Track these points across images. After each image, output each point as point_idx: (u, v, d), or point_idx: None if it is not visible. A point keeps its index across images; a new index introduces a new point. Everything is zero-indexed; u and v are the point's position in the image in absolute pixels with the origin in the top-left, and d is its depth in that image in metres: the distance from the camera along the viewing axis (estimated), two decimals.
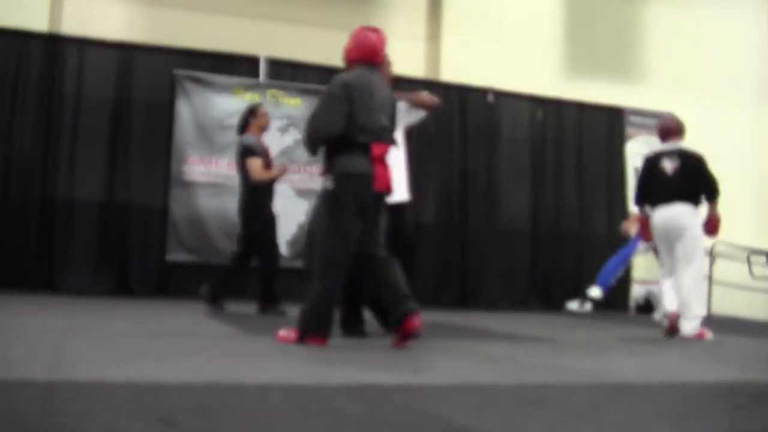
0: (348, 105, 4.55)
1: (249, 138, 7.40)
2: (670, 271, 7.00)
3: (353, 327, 5.37)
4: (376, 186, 4.55)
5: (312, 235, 7.37)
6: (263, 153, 7.36)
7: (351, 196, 4.52)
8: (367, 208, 4.57)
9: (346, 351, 4.57)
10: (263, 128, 7.54)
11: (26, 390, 2.65)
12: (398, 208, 5.51)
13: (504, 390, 3.28)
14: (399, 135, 5.43)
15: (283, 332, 4.72)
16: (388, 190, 4.64)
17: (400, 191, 5.45)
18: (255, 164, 7.21)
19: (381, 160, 4.59)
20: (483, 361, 4.40)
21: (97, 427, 2.15)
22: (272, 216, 7.40)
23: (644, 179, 7.27)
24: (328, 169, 4.62)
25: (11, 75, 9.18)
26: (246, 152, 7.27)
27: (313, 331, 4.55)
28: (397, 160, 5.36)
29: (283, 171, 7.41)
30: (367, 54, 4.86)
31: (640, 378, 3.85)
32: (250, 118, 7.49)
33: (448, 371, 3.88)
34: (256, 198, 7.27)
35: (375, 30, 4.98)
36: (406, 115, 5.66)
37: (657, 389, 3.49)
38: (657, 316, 9.36)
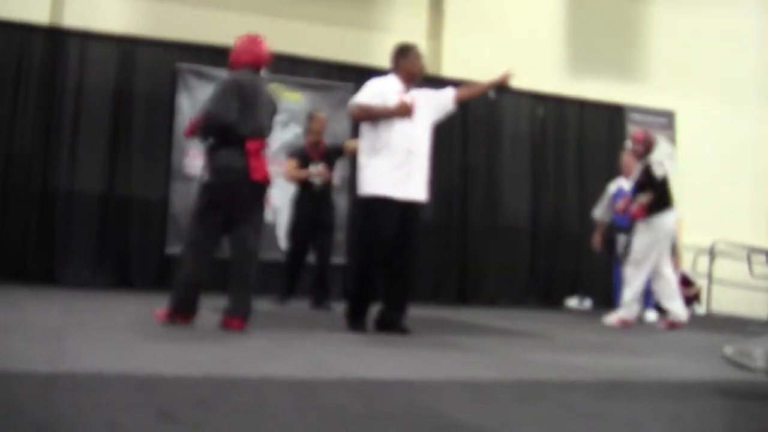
0: (238, 101, 4.94)
1: (298, 140, 8.36)
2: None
3: (358, 321, 5.46)
4: (252, 177, 4.87)
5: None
6: (303, 155, 7.76)
7: (223, 188, 4.92)
8: (241, 200, 4.93)
9: (344, 346, 4.58)
10: (315, 132, 7.90)
11: (27, 382, 2.66)
12: (413, 206, 5.49)
13: (502, 386, 3.29)
14: (425, 135, 5.60)
15: (158, 310, 5.06)
16: (265, 179, 4.95)
17: (421, 191, 5.54)
18: (287, 165, 7.86)
19: (257, 154, 4.93)
20: (481, 358, 4.41)
21: (96, 419, 2.16)
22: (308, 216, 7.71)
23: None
24: (208, 162, 5.03)
25: (13, 68, 9.17)
26: (287, 154, 8.14)
27: (178, 310, 4.96)
28: (422, 161, 5.53)
29: (309, 174, 7.69)
30: (255, 59, 5.33)
31: (639, 376, 3.85)
32: (308, 122, 8.09)
33: (447, 367, 3.89)
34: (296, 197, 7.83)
35: (259, 38, 5.52)
36: (431, 113, 5.75)
37: (655, 387, 3.50)
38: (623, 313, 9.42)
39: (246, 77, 5.12)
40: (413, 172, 5.41)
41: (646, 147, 7.58)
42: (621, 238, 9.40)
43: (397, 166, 5.34)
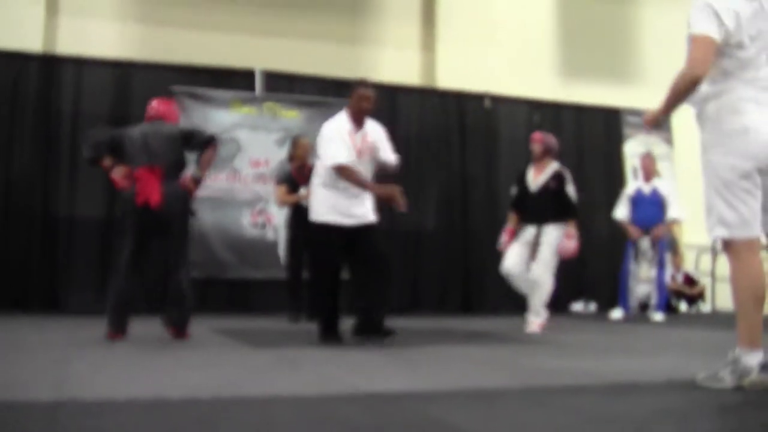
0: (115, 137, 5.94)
1: (284, 166, 8.58)
2: None
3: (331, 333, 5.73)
4: (136, 201, 5.63)
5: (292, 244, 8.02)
6: (290, 180, 8.04)
7: (126, 216, 5.79)
8: (138, 221, 5.67)
9: (351, 360, 4.57)
10: (299, 157, 8.18)
11: (32, 410, 2.65)
12: (365, 229, 5.82)
13: (511, 394, 3.28)
14: (368, 169, 5.92)
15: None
16: (144, 203, 5.62)
17: (369, 214, 5.88)
18: (276, 192, 8.18)
19: (140, 180, 5.67)
20: (488, 366, 4.40)
21: None
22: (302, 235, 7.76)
23: None
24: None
25: (8, 96, 9.19)
26: (274, 180, 8.48)
27: (110, 329, 5.57)
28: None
29: (298, 198, 7.91)
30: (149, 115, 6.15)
31: (646, 377, 3.84)
32: (291, 149, 8.36)
33: (454, 377, 3.88)
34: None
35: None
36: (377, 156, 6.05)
37: (663, 388, 3.49)
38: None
39: (136, 130, 6.00)
40: (360, 200, 5.79)
41: (545, 148, 7.47)
42: (642, 242, 9.37)
43: (346, 197, 5.73)
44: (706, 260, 12.35)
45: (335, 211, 5.73)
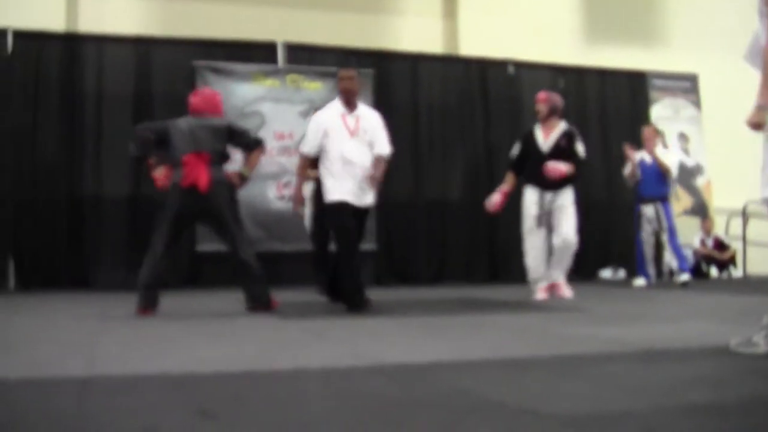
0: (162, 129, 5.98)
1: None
2: None
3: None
4: (182, 183, 5.73)
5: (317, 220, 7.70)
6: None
7: (168, 201, 5.84)
8: (182, 206, 5.79)
9: (378, 332, 4.57)
10: None
11: (62, 387, 2.66)
12: (362, 211, 6.20)
13: (540, 363, 3.26)
14: (363, 145, 6.21)
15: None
16: (191, 185, 5.71)
17: (367, 197, 6.19)
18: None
19: (187, 165, 5.75)
20: (516, 335, 4.38)
21: (134, 421, 2.15)
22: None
23: None
24: None
25: (32, 76, 9.23)
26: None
27: (141, 305, 5.69)
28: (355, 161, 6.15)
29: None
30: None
31: (678, 343, 3.80)
32: None
33: (483, 346, 3.86)
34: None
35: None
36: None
37: (695, 354, 3.45)
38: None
39: (180, 121, 6.03)
40: (360, 182, 6.13)
41: (550, 107, 7.24)
42: (647, 210, 9.38)
43: (355, 182, 6.11)
44: (736, 224, 12.23)
45: (350, 193, 6.08)
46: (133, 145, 6.06)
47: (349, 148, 6.12)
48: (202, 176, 5.72)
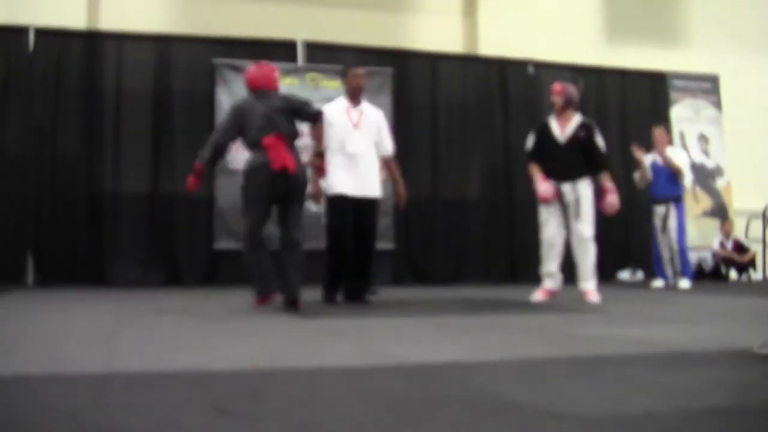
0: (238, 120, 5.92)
1: None
2: None
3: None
4: (273, 167, 5.68)
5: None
6: None
7: (254, 184, 5.77)
8: (272, 188, 5.72)
9: (396, 331, 4.56)
10: None
11: (80, 383, 2.66)
12: (366, 202, 6.44)
13: (558, 363, 3.24)
14: (367, 138, 6.56)
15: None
16: (283, 167, 5.68)
17: (370, 188, 6.49)
18: None
19: (272, 148, 5.71)
20: (535, 335, 4.36)
21: (151, 418, 2.15)
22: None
23: None
24: (244, 167, 5.96)
25: (53, 74, 9.29)
26: None
27: (258, 294, 5.74)
28: (369, 161, 6.53)
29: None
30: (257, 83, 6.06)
31: (697, 346, 3.77)
32: None
33: (502, 347, 3.84)
34: None
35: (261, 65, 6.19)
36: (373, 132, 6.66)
37: (715, 357, 3.42)
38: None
39: (246, 101, 6.03)
40: (368, 175, 6.49)
41: (566, 99, 6.96)
42: (659, 210, 9.40)
43: (342, 169, 6.43)
44: (756, 226, 12.14)
45: (348, 185, 6.40)
46: (206, 151, 5.97)
47: (352, 139, 6.46)
48: (287, 158, 5.73)
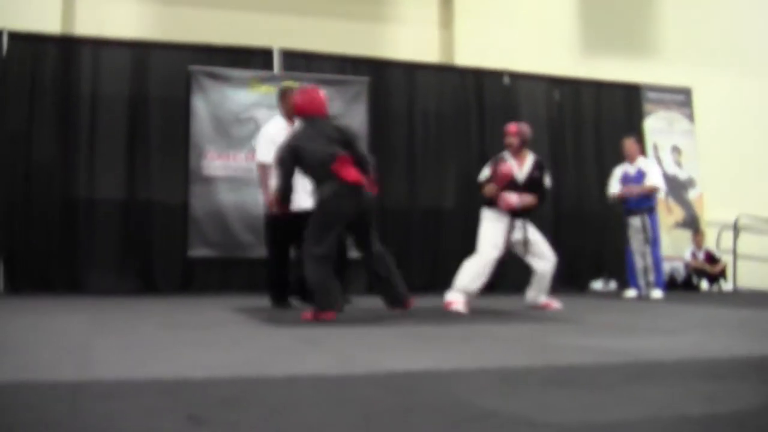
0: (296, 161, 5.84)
1: None
2: None
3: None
4: (347, 179, 5.67)
5: None
6: None
7: (332, 210, 5.75)
8: (349, 209, 5.76)
9: (371, 340, 4.56)
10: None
11: (54, 391, 2.65)
12: (303, 214, 6.42)
13: (534, 373, 3.25)
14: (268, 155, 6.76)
15: (305, 313, 5.74)
16: (357, 182, 5.72)
17: (306, 201, 6.67)
18: None
19: (342, 168, 5.71)
20: (511, 344, 4.38)
21: (125, 426, 2.14)
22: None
23: None
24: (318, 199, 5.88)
25: (27, 78, 9.23)
26: None
27: (322, 307, 5.61)
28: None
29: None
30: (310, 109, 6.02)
31: (671, 356, 3.81)
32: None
33: (477, 356, 3.86)
34: None
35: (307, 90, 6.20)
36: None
37: (688, 366, 3.45)
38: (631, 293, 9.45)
39: (299, 133, 5.94)
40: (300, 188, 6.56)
41: (522, 139, 7.28)
42: (634, 221, 9.48)
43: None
44: (727, 238, 12.27)
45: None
46: (279, 195, 5.97)
47: None
48: (359, 175, 5.73)
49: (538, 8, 12.20)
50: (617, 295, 10.04)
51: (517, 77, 11.36)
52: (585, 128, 11.72)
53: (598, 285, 11.20)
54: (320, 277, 5.66)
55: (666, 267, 10.76)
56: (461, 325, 5.61)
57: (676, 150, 12.33)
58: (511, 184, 7.20)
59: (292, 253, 7.23)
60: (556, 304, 7.37)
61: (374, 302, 7.44)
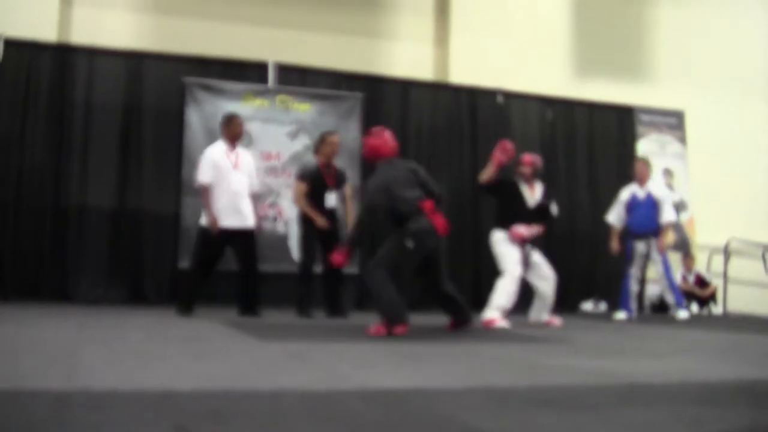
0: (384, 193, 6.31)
1: (310, 161, 8.47)
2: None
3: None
4: (439, 232, 6.34)
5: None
6: (318, 177, 8.01)
7: (414, 245, 6.21)
8: (429, 246, 6.32)
9: (360, 356, 4.55)
10: (327, 155, 8.09)
11: (41, 400, 2.64)
12: (246, 231, 7.57)
13: (521, 392, 3.25)
14: (243, 177, 7.66)
15: (372, 327, 6.02)
16: (434, 227, 6.30)
17: (248, 219, 7.60)
18: (296, 188, 8.10)
19: (431, 214, 6.32)
20: (498, 364, 4.37)
21: None
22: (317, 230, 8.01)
23: None
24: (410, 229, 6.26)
25: (22, 85, 9.22)
26: (296, 174, 8.35)
27: (391, 321, 5.94)
28: (236, 192, 7.57)
29: (321, 223, 7.92)
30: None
31: (659, 379, 3.81)
32: (319, 144, 8.18)
33: (465, 375, 3.85)
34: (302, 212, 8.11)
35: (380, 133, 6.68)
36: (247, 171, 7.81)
37: (675, 389, 3.46)
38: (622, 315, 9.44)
39: (382, 174, 6.42)
40: (240, 207, 7.60)
41: (534, 170, 7.85)
42: (639, 246, 9.37)
43: (226, 205, 7.53)
44: (718, 261, 12.30)
45: (229, 218, 7.54)
46: (363, 219, 6.44)
47: (233, 178, 7.54)
48: (440, 220, 6.33)
49: (534, 28, 12.26)
50: (607, 316, 10.04)
51: (510, 96, 11.40)
52: (577, 149, 11.76)
53: (588, 306, 11.20)
54: (391, 295, 6.03)
55: (656, 290, 10.76)
56: (450, 344, 5.60)
57: (667, 173, 12.37)
58: (522, 210, 7.73)
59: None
60: (557, 321, 7.80)
61: (364, 318, 7.44)
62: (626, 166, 11.83)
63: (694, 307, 11.84)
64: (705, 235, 12.28)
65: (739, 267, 12.30)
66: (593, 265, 11.29)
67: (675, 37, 13.10)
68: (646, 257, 9.44)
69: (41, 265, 9.09)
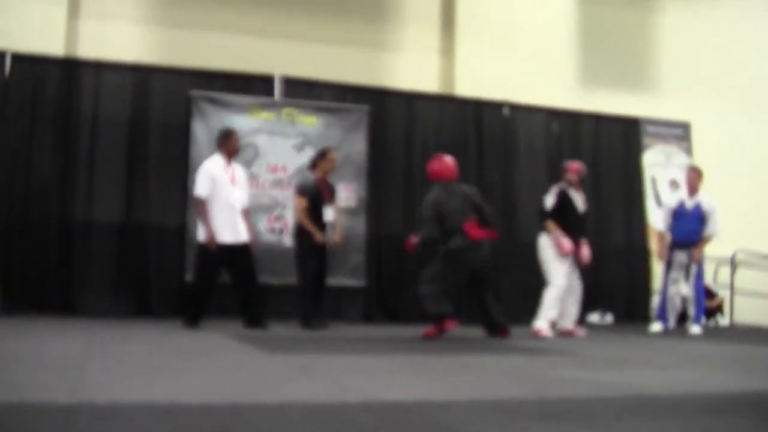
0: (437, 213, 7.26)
1: (307, 176, 8.53)
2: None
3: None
4: (473, 238, 7.21)
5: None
6: (316, 192, 8.17)
7: (455, 260, 7.19)
8: (471, 261, 7.28)
9: (366, 369, 4.55)
10: (325, 170, 8.32)
11: (48, 413, 2.64)
12: (242, 246, 7.76)
13: (526, 405, 3.25)
14: (241, 191, 7.90)
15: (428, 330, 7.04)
16: (481, 239, 7.26)
17: (243, 233, 7.78)
18: (297, 203, 8.23)
19: (471, 230, 7.21)
20: (504, 376, 4.37)
21: None
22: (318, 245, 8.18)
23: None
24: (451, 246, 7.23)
25: (29, 99, 9.23)
26: (295, 189, 8.47)
27: (439, 317, 6.99)
28: (233, 206, 7.75)
29: (320, 239, 8.11)
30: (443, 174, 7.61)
31: (666, 391, 3.80)
32: (319, 159, 8.34)
33: (470, 387, 3.85)
34: (299, 227, 8.26)
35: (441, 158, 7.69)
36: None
37: (683, 402, 3.45)
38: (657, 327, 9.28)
39: (437, 193, 7.40)
40: (236, 222, 7.77)
41: (581, 177, 8.51)
42: (680, 255, 9.17)
43: (224, 220, 7.67)
44: (724, 273, 12.26)
45: (227, 233, 7.67)
46: (427, 229, 7.27)
47: (230, 193, 7.73)
48: (479, 231, 7.21)
49: (539, 40, 12.26)
50: (617, 327, 9.99)
51: (516, 108, 11.39)
52: (583, 160, 11.67)
53: (594, 318, 11.17)
54: (434, 294, 7.01)
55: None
56: (456, 356, 5.60)
57: (674, 184, 12.34)
58: (574, 214, 8.38)
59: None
60: (581, 331, 8.35)
61: (370, 330, 7.44)
62: (632, 178, 11.83)
63: (702, 319, 11.78)
64: (711, 247, 12.21)
65: (745, 278, 12.24)
66: (598, 277, 11.25)
67: (681, 48, 13.10)
68: (687, 267, 9.19)
69: (48, 278, 9.10)
